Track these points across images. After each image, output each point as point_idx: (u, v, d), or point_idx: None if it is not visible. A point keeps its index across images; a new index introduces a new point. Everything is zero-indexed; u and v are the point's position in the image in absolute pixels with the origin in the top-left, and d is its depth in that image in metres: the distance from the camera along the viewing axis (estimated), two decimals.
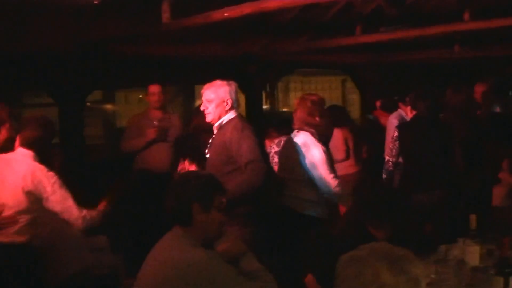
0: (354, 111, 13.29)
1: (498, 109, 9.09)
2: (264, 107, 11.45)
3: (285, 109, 14.46)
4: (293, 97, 14.93)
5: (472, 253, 3.84)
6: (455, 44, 9.65)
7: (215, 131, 5.59)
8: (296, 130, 6.14)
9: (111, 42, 7.37)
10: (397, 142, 6.56)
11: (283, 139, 7.25)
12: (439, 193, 6.20)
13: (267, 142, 8.12)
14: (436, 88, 8.22)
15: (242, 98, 10.67)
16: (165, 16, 6.03)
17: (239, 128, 5.37)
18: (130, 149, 7.70)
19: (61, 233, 4.77)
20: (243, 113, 10.67)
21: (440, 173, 6.30)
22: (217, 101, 5.44)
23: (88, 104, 9.74)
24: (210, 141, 5.66)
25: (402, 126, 6.78)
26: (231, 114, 5.50)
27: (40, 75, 7.51)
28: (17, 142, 4.92)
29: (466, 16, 6.87)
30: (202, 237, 3.47)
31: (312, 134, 6.01)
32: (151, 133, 7.55)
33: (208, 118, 5.56)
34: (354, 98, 13.98)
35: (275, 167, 6.85)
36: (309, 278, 3.92)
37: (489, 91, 9.21)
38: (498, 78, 10.66)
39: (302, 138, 6.04)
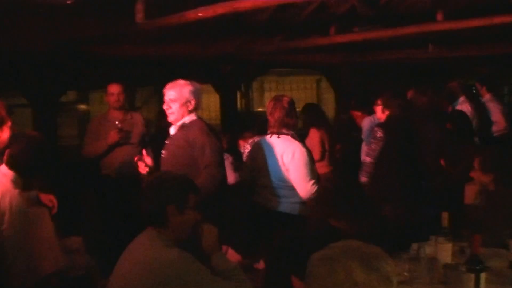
0: (329, 111, 13.31)
1: (469, 108, 9.19)
2: (239, 106, 11.47)
3: (260, 109, 14.48)
4: (268, 97, 14.92)
5: (445, 251, 3.87)
6: (428, 44, 9.72)
7: (173, 131, 5.51)
8: (275, 135, 5.85)
9: (84, 42, 7.33)
10: (381, 142, 6.38)
11: (256, 140, 7.30)
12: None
13: (241, 143, 8.17)
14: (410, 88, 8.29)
15: (216, 98, 10.73)
16: (139, 16, 6.01)
17: (206, 130, 5.34)
18: (93, 153, 7.20)
19: (33, 235, 4.71)
20: (218, 113, 10.72)
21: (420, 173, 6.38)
22: (181, 101, 5.37)
23: (62, 104, 9.67)
24: (166, 141, 5.59)
25: (386, 126, 6.51)
26: (193, 116, 5.45)
27: (13, 75, 7.46)
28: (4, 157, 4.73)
29: (439, 16, 6.93)
30: (176, 238, 3.47)
31: (293, 136, 5.81)
32: (114, 136, 7.04)
33: (171, 118, 5.47)
34: (329, 98, 14.01)
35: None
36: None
37: (458, 91, 9.34)
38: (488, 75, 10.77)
39: (285, 143, 5.79)
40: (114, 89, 7.23)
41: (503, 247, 4.04)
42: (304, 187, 5.70)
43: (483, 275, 3.17)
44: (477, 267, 3.17)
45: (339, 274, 2.16)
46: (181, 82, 5.44)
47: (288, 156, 5.72)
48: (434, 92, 7.87)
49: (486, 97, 9.83)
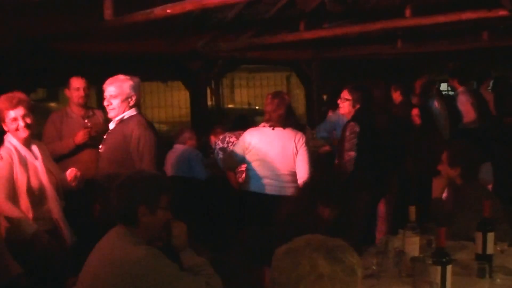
0: (299, 106, 13.33)
1: (436, 104, 9.29)
2: (209, 103, 11.45)
3: (230, 106, 14.45)
4: (238, 93, 14.91)
5: (412, 244, 3.90)
6: (397, 40, 9.80)
7: (112, 126, 5.45)
8: (279, 127, 6.12)
9: (53, 40, 7.28)
10: (354, 135, 6.34)
11: (227, 136, 7.35)
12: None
13: (212, 138, 8.20)
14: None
15: (186, 95, 10.70)
16: (108, 13, 6.00)
17: (143, 124, 5.30)
18: (57, 153, 6.33)
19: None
20: (188, 110, 10.70)
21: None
22: (122, 97, 5.30)
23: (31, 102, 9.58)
24: (105, 136, 5.54)
25: (360, 120, 6.46)
26: (133, 111, 5.38)
27: None
28: None
29: (408, 12, 6.99)
30: (146, 237, 3.47)
31: (295, 127, 6.22)
32: (84, 135, 6.47)
33: (111, 114, 5.39)
34: (298, 93, 14.03)
35: (221, 163, 7.05)
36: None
37: (426, 86, 9.45)
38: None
39: (292, 133, 6.11)
40: (79, 83, 6.75)
41: (470, 240, 4.08)
42: (307, 171, 5.98)
43: (449, 268, 3.21)
44: (443, 260, 3.20)
45: (304, 266, 2.17)
46: (121, 77, 5.36)
47: (298, 144, 6.02)
48: (387, 86, 7.94)
49: (459, 90, 9.93)
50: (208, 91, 11.14)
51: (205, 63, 9.89)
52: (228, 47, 9.02)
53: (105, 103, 5.39)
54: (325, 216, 4.09)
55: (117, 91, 5.30)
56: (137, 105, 5.43)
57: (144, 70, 8.26)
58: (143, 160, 5.15)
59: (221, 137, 7.49)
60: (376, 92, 7.38)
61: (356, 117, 6.39)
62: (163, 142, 6.14)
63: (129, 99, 5.33)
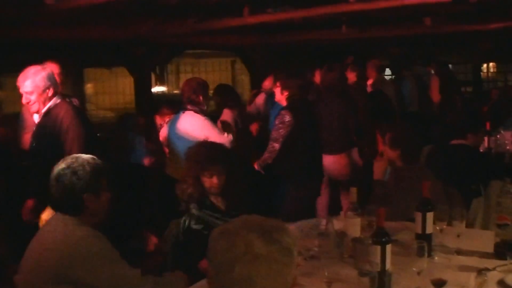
0: (245, 91, 13.36)
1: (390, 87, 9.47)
2: (156, 89, 11.41)
3: (176, 91, 14.43)
4: (183, 79, 14.89)
5: (353, 225, 3.94)
6: (342, 25, 9.85)
7: (38, 119, 5.36)
8: (181, 111, 6.30)
9: None
10: (289, 128, 6.31)
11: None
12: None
13: (157, 118, 8.14)
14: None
15: (131, 81, 10.62)
16: None
17: (71, 112, 5.24)
18: None
19: None
20: (132, 96, 10.62)
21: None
22: (38, 91, 5.17)
23: None
24: (34, 129, 5.45)
25: (292, 109, 6.42)
26: (57, 99, 5.28)
27: None
28: None
29: None
30: (92, 221, 3.46)
31: (196, 112, 6.20)
32: None
33: (33, 109, 5.30)
34: (243, 79, 14.07)
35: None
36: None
37: (376, 70, 9.56)
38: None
39: (188, 118, 6.23)
40: (56, 69, 6.40)
41: (410, 221, 4.14)
42: (223, 139, 6.06)
43: (388, 247, 3.24)
44: (383, 240, 3.24)
45: (239, 247, 2.17)
46: (32, 70, 5.20)
47: (194, 128, 6.12)
48: (341, 69, 7.99)
49: (404, 74, 10.09)
50: (153, 77, 11.08)
51: (149, 49, 9.83)
52: (172, 33, 8.96)
53: (24, 101, 5.27)
54: (213, 183, 4.44)
55: (31, 87, 5.16)
56: (57, 93, 5.31)
57: (87, 56, 8.17)
58: (72, 149, 5.03)
59: (167, 119, 7.45)
60: (329, 75, 7.43)
61: (288, 107, 6.40)
62: (107, 129, 6.10)
63: (47, 91, 5.21)
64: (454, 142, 6.11)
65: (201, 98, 6.21)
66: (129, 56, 9.81)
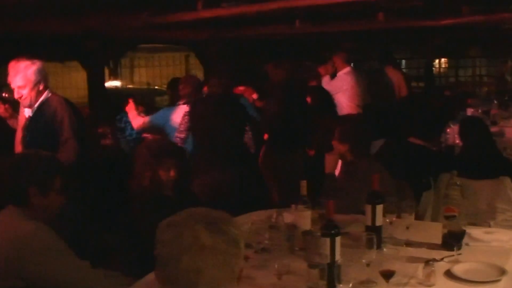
0: None
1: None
2: (110, 83, 11.32)
3: (130, 86, 14.32)
4: (137, 73, 14.80)
5: (304, 218, 3.97)
6: (296, 20, 9.88)
7: (30, 113, 5.35)
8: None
9: None
10: (187, 117, 6.73)
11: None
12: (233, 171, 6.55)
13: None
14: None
15: (85, 75, 10.52)
16: None
17: (64, 104, 5.28)
18: None
19: None
20: (86, 91, 10.52)
21: (233, 150, 6.64)
22: (30, 85, 5.18)
23: None
24: (26, 123, 5.42)
25: (195, 102, 6.90)
26: (47, 93, 5.32)
27: None
28: None
29: None
30: (40, 217, 3.42)
31: None
32: None
33: (25, 104, 5.32)
34: (197, 73, 14.07)
35: None
36: None
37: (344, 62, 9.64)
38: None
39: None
40: None
41: (360, 213, 4.19)
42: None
43: (338, 239, 3.28)
44: (332, 232, 3.27)
45: (186, 238, 2.18)
46: (22, 65, 5.19)
47: None
48: (289, 65, 8.04)
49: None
50: (107, 71, 10.99)
51: (102, 43, 9.74)
52: (126, 26, 8.89)
53: (16, 96, 5.28)
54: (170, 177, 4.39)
55: (23, 81, 5.17)
56: (47, 87, 5.34)
57: (38, 50, 8.04)
58: (68, 140, 5.13)
59: None
60: (277, 72, 7.50)
61: (196, 100, 6.93)
62: None
63: (39, 84, 5.22)
64: (412, 140, 6.20)
65: None
66: (82, 50, 9.71)
